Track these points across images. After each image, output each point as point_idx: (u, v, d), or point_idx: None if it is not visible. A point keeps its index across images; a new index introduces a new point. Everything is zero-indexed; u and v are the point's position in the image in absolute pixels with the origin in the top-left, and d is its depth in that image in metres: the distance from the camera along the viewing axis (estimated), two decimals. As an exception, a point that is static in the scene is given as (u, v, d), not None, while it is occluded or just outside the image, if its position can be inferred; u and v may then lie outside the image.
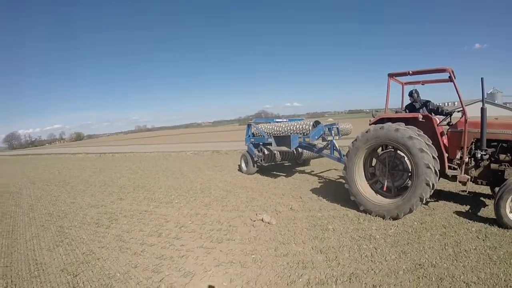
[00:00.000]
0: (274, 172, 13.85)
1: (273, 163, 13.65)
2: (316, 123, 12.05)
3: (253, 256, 5.57)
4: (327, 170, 13.71)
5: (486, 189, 8.12)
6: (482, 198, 7.92)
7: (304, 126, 11.99)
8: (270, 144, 12.28)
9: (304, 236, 6.32)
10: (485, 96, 6.82)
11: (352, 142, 7.64)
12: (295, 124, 12.48)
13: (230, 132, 70.88)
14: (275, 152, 12.63)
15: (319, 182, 11.47)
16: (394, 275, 4.64)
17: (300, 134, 11.82)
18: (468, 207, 7.37)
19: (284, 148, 11.70)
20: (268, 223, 7.16)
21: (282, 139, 11.76)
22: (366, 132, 7.32)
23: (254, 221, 7.32)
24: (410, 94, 8.51)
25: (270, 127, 13.45)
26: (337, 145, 11.05)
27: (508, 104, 64.92)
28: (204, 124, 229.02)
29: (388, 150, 7.68)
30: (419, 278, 4.51)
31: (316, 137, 11.40)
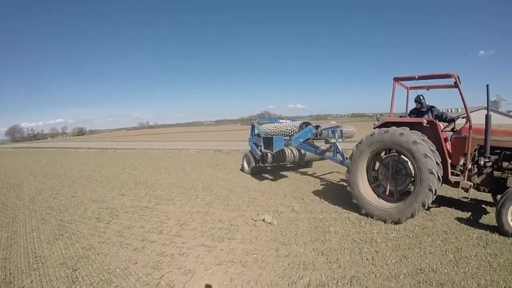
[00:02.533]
0: (276, 173, 13.80)
1: (275, 164, 13.55)
2: (305, 125, 11.83)
3: (254, 256, 5.57)
4: (329, 173, 13.67)
5: (487, 196, 8.12)
6: (483, 205, 7.90)
7: (292, 127, 11.82)
8: None
9: (305, 237, 6.32)
10: (490, 103, 6.80)
11: (356, 145, 7.63)
12: (285, 125, 12.33)
13: (232, 132, 70.92)
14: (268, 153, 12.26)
15: (321, 184, 11.44)
16: (394, 279, 4.63)
17: (287, 136, 11.64)
18: (470, 213, 7.35)
19: (269, 151, 11.43)
20: (270, 223, 7.16)
21: (268, 141, 11.42)
22: (371, 135, 7.31)
23: (256, 221, 7.33)
24: (418, 99, 8.46)
25: (268, 128, 13.35)
26: (340, 148, 10.93)
27: (511, 112, 64.81)
28: (207, 123, 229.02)
29: (392, 154, 7.66)
30: (419, 283, 4.50)
31: (300, 139, 11.11)
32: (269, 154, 12.23)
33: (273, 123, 14.26)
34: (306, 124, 11.89)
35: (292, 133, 11.61)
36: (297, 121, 12.87)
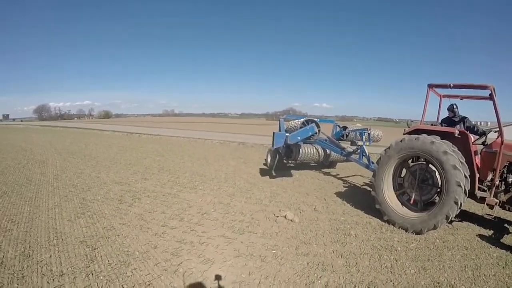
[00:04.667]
0: (299, 171, 13.72)
1: (299, 162, 13.19)
2: (308, 122, 11.36)
3: (273, 251, 5.58)
4: (353, 175, 13.48)
5: (511, 216, 7.92)
6: (506, 225, 7.66)
7: (297, 124, 11.57)
8: None
9: (326, 238, 6.30)
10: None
11: (385, 150, 7.53)
12: (295, 122, 12.09)
13: (257, 126, 70.65)
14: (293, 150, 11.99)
15: (344, 186, 11.33)
16: (412, 289, 4.58)
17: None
18: (492, 231, 7.15)
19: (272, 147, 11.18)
20: (291, 220, 7.15)
21: (273, 137, 11.12)
22: (401, 141, 7.19)
23: (277, 216, 7.34)
24: (451, 108, 8.30)
25: (287, 124, 13.06)
26: (367, 151, 10.78)
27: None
28: (231, 115, 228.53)
29: (420, 162, 7.53)
30: (437, 296, 4.45)
31: (298, 137, 10.65)
32: (294, 150, 11.94)
33: (299, 120, 14.07)
34: (309, 121, 11.57)
35: (295, 130, 11.30)
36: (331, 122, 12.71)
